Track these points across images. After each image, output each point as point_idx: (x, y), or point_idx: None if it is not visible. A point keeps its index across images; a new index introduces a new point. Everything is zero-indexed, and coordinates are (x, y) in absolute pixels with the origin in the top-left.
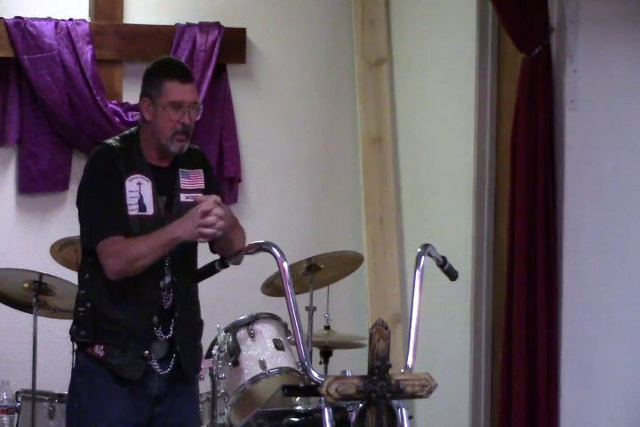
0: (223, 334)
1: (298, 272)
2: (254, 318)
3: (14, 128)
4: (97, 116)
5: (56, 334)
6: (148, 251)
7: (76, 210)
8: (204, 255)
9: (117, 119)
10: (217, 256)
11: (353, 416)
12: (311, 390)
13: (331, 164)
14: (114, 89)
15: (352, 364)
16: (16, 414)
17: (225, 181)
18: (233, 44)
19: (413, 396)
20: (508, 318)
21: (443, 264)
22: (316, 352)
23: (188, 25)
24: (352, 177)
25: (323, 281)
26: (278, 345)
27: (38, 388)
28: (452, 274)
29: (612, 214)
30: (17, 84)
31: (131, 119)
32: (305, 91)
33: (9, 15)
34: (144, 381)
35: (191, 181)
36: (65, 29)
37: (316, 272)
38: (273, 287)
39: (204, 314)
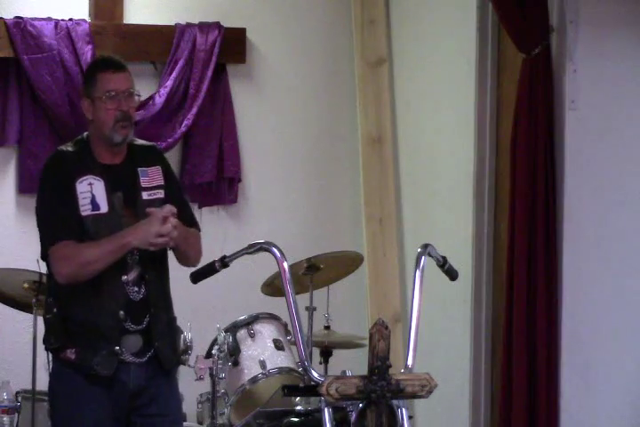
0: (223, 334)
1: (298, 272)
2: (254, 318)
3: (14, 128)
4: None
5: None
6: (98, 256)
7: None
8: (208, 257)
9: None
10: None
11: (353, 416)
12: (311, 390)
13: (331, 164)
14: None
15: (352, 364)
16: (16, 414)
17: (225, 181)
18: (233, 44)
19: (413, 396)
20: (507, 318)
21: (443, 264)
22: (316, 352)
23: (188, 25)
24: (352, 177)
25: (323, 281)
26: (278, 345)
27: (38, 388)
28: (451, 274)
29: (612, 214)
30: (17, 84)
31: None
32: (305, 91)
33: (9, 15)
34: (118, 377)
35: (150, 178)
36: (65, 29)
37: (316, 272)
38: (273, 287)
39: (204, 314)
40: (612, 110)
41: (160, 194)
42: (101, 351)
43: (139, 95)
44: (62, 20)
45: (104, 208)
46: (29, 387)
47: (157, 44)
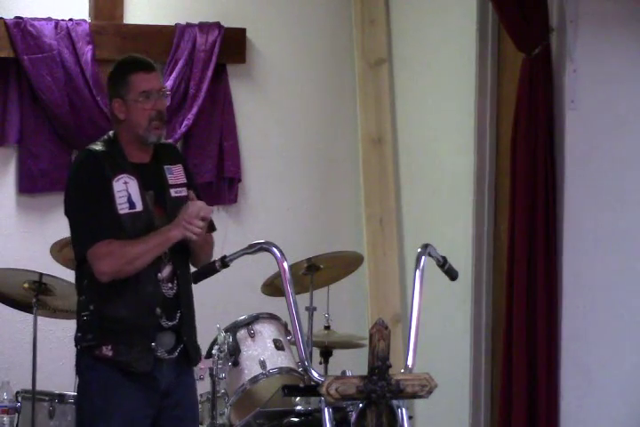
0: (223, 334)
1: (298, 272)
2: (254, 318)
3: (14, 128)
4: (97, 116)
5: (56, 334)
6: (144, 251)
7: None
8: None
9: None
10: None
11: (353, 416)
12: (311, 390)
13: (331, 164)
14: None
15: (352, 364)
16: (16, 415)
17: (225, 181)
18: (233, 44)
19: (413, 396)
20: (508, 317)
21: (443, 264)
22: (316, 352)
23: (188, 25)
24: (352, 177)
25: (323, 281)
26: (278, 345)
27: (38, 388)
28: (451, 274)
29: (612, 214)
30: (17, 84)
31: None
32: (305, 91)
33: (9, 15)
34: (153, 374)
35: (175, 176)
36: (65, 29)
37: (316, 272)
38: (273, 287)
39: (204, 314)
40: (612, 110)
41: (184, 192)
42: (137, 348)
43: (169, 93)
44: (62, 20)
45: (139, 206)
46: (29, 387)
47: (157, 44)
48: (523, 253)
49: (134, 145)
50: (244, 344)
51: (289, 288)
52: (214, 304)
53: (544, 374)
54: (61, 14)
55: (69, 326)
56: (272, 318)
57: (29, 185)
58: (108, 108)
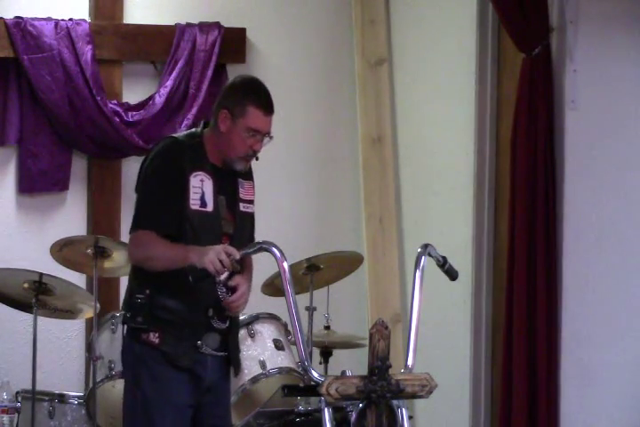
0: None
1: (298, 272)
2: (254, 318)
3: (14, 128)
4: (97, 116)
5: (56, 334)
6: (160, 256)
7: (76, 210)
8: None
9: (117, 119)
10: None
11: (353, 416)
12: (311, 390)
13: (331, 164)
14: (114, 89)
15: (352, 364)
16: (16, 414)
17: None
18: (233, 44)
19: (413, 396)
20: (508, 318)
21: (443, 264)
22: (316, 352)
23: (188, 25)
24: (352, 177)
25: (323, 281)
26: (278, 345)
27: (38, 388)
28: (452, 274)
29: (612, 214)
30: (17, 84)
31: (130, 119)
32: (305, 91)
33: (9, 15)
34: (197, 371)
35: (245, 191)
36: (65, 29)
37: (316, 272)
38: (273, 287)
39: None
40: (612, 110)
41: (251, 209)
42: (184, 343)
43: (272, 138)
44: (62, 20)
45: (210, 207)
46: (29, 387)
47: (157, 44)
48: (523, 253)
49: (218, 155)
50: (244, 344)
51: (289, 288)
52: None
53: (544, 374)
54: (61, 14)
55: (69, 326)
56: (272, 318)
57: (29, 185)
58: (213, 111)
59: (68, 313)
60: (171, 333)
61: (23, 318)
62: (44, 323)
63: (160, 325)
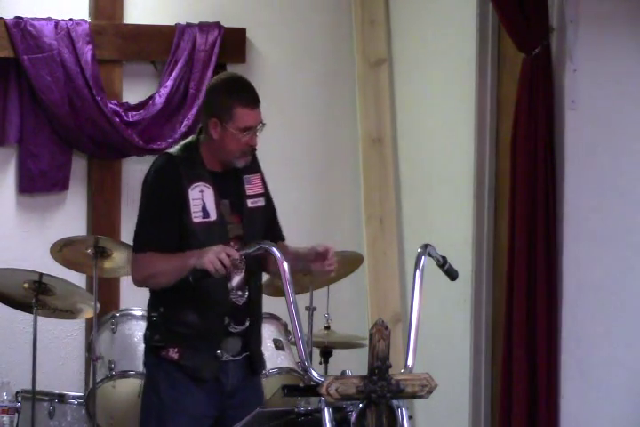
0: None
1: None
2: None
3: (14, 128)
4: (97, 116)
5: (56, 334)
6: (159, 272)
7: (77, 210)
8: None
9: (117, 119)
10: None
11: (353, 416)
12: (311, 390)
13: (331, 164)
14: (114, 89)
15: (352, 364)
16: (16, 414)
17: None
18: (233, 44)
19: (413, 396)
20: (507, 318)
21: (443, 264)
22: (316, 352)
23: (188, 25)
24: (352, 177)
25: (323, 281)
26: (278, 345)
27: (38, 388)
28: (451, 274)
29: (611, 214)
30: (17, 84)
31: (130, 119)
32: (305, 91)
33: (9, 15)
34: (218, 377)
35: (253, 185)
36: (65, 29)
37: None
38: (273, 287)
39: None
40: (612, 110)
41: (261, 202)
42: (203, 354)
43: (265, 124)
44: (62, 20)
45: (213, 216)
46: (29, 387)
47: (157, 44)
48: (523, 253)
49: (216, 160)
50: None
51: (289, 288)
52: None
53: (544, 374)
54: (61, 14)
55: (69, 326)
56: (272, 318)
57: (29, 185)
58: (202, 122)
59: (68, 313)
60: (189, 346)
61: (23, 318)
62: (44, 323)
63: (178, 340)
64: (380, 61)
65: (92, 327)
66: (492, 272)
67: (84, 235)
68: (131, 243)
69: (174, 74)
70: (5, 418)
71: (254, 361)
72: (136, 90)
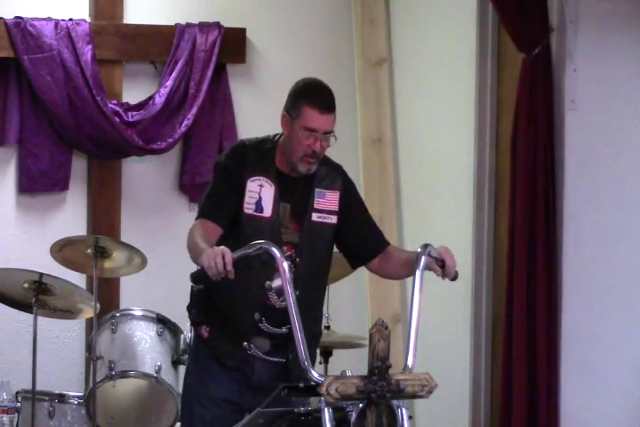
0: None
1: None
2: None
3: (14, 128)
4: (97, 116)
5: (56, 334)
6: (189, 246)
7: (77, 210)
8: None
9: (117, 119)
10: None
11: (353, 416)
12: (311, 390)
13: None
14: (114, 89)
15: (352, 364)
16: (16, 414)
17: None
18: (233, 44)
19: (413, 396)
20: (507, 317)
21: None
22: (316, 352)
23: (188, 25)
24: (352, 177)
25: None
26: None
27: (38, 388)
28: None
29: (611, 214)
30: (17, 84)
31: (131, 119)
32: None
33: (9, 15)
34: (243, 369)
35: (325, 201)
36: (65, 29)
37: None
38: None
39: None
40: (612, 110)
41: (331, 220)
42: (230, 342)
43: (335, 138)
44: (62, 20)
45: (267, 213)
46: (29, 387)
47: (157, 44)
48: (523, 253)
49: (285, 159)
50: None
51: (289, 288)
52: None
53: (544, 374)
54: (61, 14)
55: (69, 326)
56: None
57: (29, 185)
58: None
59: (68, 313)
60: (218, 330)
61: (23, 318)
62: (44, 323)
63: (210, 319)
64: (380, 61)
65: (92, 327)
66: (491, 272)
67: (83, 235)
68: (131, 243)
69: (174, 74)
70: (5, 418)
71: (291, 371)
72: (136, 90)
